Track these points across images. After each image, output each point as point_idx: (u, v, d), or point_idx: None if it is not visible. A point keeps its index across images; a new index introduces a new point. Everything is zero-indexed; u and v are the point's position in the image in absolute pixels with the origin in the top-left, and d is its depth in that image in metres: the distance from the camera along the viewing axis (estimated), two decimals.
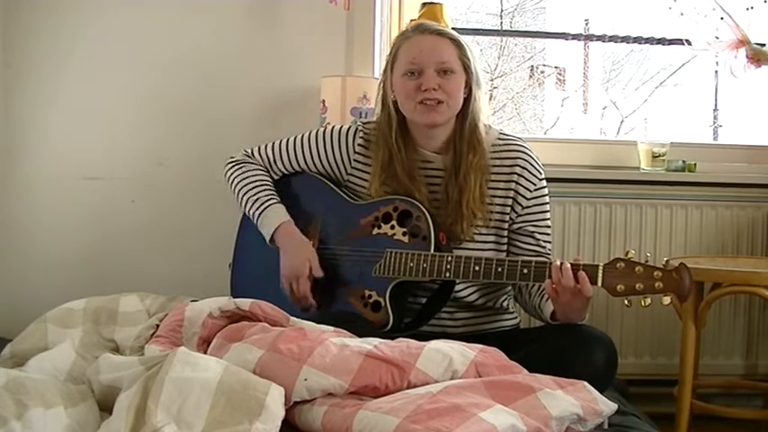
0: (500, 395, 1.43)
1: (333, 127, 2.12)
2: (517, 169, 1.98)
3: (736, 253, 2.66)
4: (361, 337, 1.63)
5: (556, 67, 4.39)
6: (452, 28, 2.24)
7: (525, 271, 1.80)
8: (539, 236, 2.00)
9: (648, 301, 1.73)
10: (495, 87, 4.10)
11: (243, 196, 2.08)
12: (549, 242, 2.03)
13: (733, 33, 2.64)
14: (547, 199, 2.03)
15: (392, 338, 1.63)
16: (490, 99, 3.74)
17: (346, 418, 1.38)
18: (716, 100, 3.42)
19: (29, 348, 1.92)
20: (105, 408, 1.49)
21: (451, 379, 1.52)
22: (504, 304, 2.06)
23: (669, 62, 3.60)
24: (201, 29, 2.73)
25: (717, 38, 2.66)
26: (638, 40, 3.10)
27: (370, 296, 1.92)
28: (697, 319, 2.27)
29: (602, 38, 3.20)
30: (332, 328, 1.67)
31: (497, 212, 1.99)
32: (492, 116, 3.37)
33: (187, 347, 1.59)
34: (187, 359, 1.44)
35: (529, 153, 2.01)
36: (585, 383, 1.54)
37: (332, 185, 2.07)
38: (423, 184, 1.97)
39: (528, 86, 4.31)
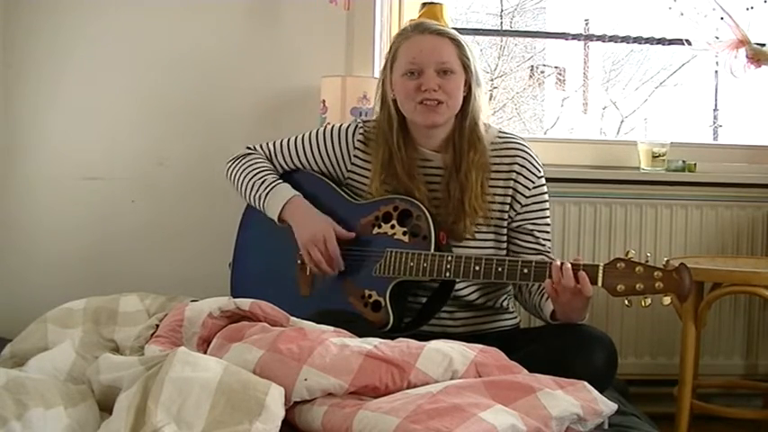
0: (500, 395, 1.43)
1: (333, 125, 2.12)
2: (516, 167, 1.99)
3: (736, 253, 2.66)
4: (361, 337, 1.63)
5: (556, 67, 4.39)
6: (452, 28, 2.24)
7: (525, 271, 1.80)
8: (538, 234, 2.00)
9: (649, 301, 1.73)
10: (495, 87, 4.09)
11: (246, 183, 2.06)
12: (549, 240, 2.03)
13: (733, 33, 2.64)
14: (546, 197, 2.03)
15: (392, 338, 1.63)
16: (490, 99, 3.74)
17: (346, 418, 1.38)
18: (716, 100, 3.42)
19: (29, 348, 1.92)
20: (105, 408, 1.49)
21: (451, 379, 1.52)
22: (504, 304, 2.07)
23: (669, 62, 3.60)
24: (201, 29, 2.73)
25: (717, 38, 2.66)
26: (638, 40, 3.10)
27: (370, 296, 1.92)
28: (697, 319, 2.27)
29: (602, 38, 3.20)
30: (332, 328, 1.67)
31: (497, 210, 1.99)
32: (492, 116, 3.37)
33: (187, 347, 1.59)
34: (187, 359, 1.44)
35: (528, 151, 2.01)
36: (585, 383, 1.54)
37: (332, 185, 2.07)
38: (422, 182, 1.97)
39: (528, 86, 4.30)
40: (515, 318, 2.10)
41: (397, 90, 1.97)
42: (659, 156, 2.63)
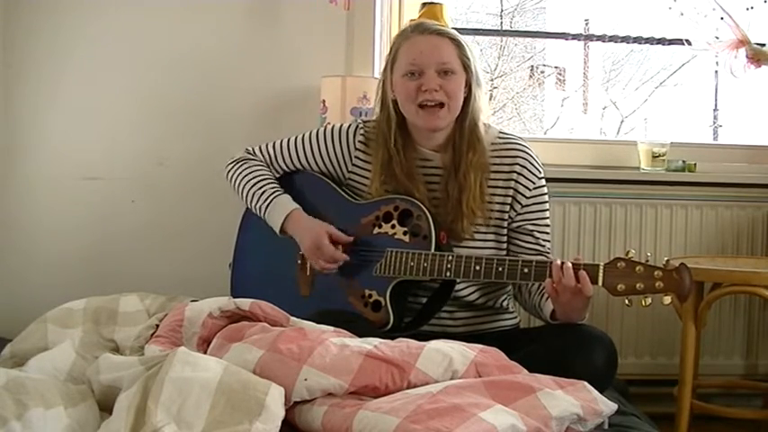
0: (500, 395, 1.43)
1: (333, 125, 2.12)
2: (516, 168, 1.98)
3: (736, 253, 2.66)
4: (361, 336, 1.63)
5: (556, 67, 4.39)
6: (452, 28, 2.24)
7: (526, 270, 1.80)
8: (538, 234, 2.00)
9: (649, 300, 1.73)
10: (495, 87, 4.09)
11: (247, 192, 2.07)
12: (549, 241, 2.03)
13: (733, 33, 2.64)
14: (546, 198, 2.03)
15: (392, 338, 1.63)
16: (490, 99, 3.73)
17: (346, 418, 1.38)
18: (716, 100, 3.42)
19: (29, 348, 1.92)
20: (105, 408, 1.49)
21: (451, 379, 1.52)
22: (505, 304, 2.06)
23: (669, 62, 3.60)
24: (201, 29, 2.73)
25: (717, 38, 2.66)
26: (638, 40, 3.10)
27: (370, 296, 1.92)
28: (697, 319, 2.27)
29: (602, 38, 3.20)
30: (332, 328, 1.67)
31: (497, 211, 1.99)
32: (492, 116, 3.36)
33: (187, 347, 1.59)
34: (187, 359, 1.44)
35: (528, 152, 2.01)
36: (585, 383, 1.54)
37: (333, 185, 2.07)
38: (421, 182, 1.97)
39: (528, 86, 4.30)
40: (515, 318, 2.10)
41: (398, 91, 1.97)
42: (659, 156, 2.63)
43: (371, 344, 1.55)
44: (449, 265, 1.85)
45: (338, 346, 1.53)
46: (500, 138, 2.02)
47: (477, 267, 1.83)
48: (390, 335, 1.71)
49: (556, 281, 1.75)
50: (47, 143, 2.75)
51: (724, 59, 2.66)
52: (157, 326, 1.90)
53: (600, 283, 1.73)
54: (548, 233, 2.03)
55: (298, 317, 1.76)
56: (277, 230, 2.02)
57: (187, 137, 2.76)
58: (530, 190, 1.99)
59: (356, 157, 2.05)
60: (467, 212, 1.93)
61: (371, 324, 1.88)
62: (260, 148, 2.15)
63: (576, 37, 3.54)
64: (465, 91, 1.96)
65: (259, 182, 2.07)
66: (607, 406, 1.52)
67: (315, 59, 2.69)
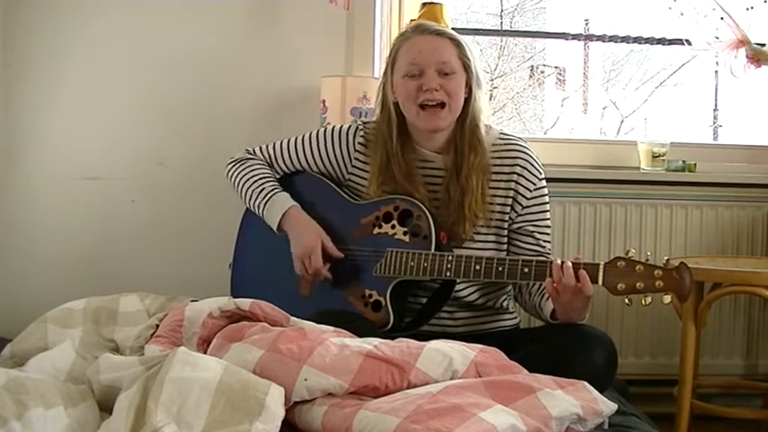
0: (500, 395, 1.43)
1: (333, 126, 2.12)
2: (517, 169, 1.98)
3: (736, 253, 2.66)
4: (361, 337, 1.63)
5: (556, 67, 4.39)
6: (452, 28, 2.24)
7: (526, 270, 1.80)
8: (539, 235, 2.00)
9: (649, 299, 1.73)
10: (495, 87, 4.10)
11: (246, 190, 2.07)
12: (549, 242, 2.03)
13: (733, 33, 2.64)
14: (547, 199, 2.03)
15: (392, 338, 1.63)
16: (490, 99, 3.74)
17: (346, 418, 1.38)
18: (716, 100, 3.42)
19: (29, 348, 1.92)
20: (105, 408, 1.49)
21: (451, 379, 1.52)
22: (504, 304, 2.06)
23: (669, 62, 3.60)
24: (201, 29, 2.73)
25: (717, 38, 2.66)
26: (638, 40, 3.10)
27: (370, 296, 1.92)
28: (697, 319, 2.27)
29: (602, 38, 3.20)
30: (332, 328, 1.67)
31: (497, 212, 1.99)
32: (492, 116, 3.36)
33: (187, 347, 1.59)
34: (187, 359, 1.44)
35: (529, 153, 2.01)
36: (585, 383, 1.54)
37: (333, 185, 2.07)
38: (421, 184, 1.97)
39: (528, 86, 4.31)
40: (515, 318, 2.10)
41: (398, 92, 1.97)
42: (659, 156, 2.63)
43: (371, 344, 1.55)
44: (449, 265, 1.85)
45: (338, 346, 1.53)
46: (501, 139, 2.02)
47: (478, 267, 1.83)
48: (390, 335, 1.71)
49: (556, 280, 1.75)
50: (47, 143, 2.75)
51: (724, 59, 2.66)
52: (157, 326, 1.90)
53: (600, 282, 1.73)
54: (548, 234, 2.03)
55: (298, 317, 1.76)
56: (274, 227, 2.02)
57: (187, 137, 2.76)
58: (530, 191, 1.99)
59: (356, 158, 2.05)
60: (469, 215, 1.93)
61: (371, 324, 1.88)
62: (260, 148, 2.15)
63: (576, 37, 3.54)
64: (465, 91, 1.96)
65: (258, 180, 2.07)
66: (607, 406, 1.52)
67: (315, 59, 2.69)
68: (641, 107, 3.97)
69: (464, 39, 1.99)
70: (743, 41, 2.63)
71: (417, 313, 1.97)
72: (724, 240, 2.67)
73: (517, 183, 1.98)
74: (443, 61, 1.92)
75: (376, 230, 1.96)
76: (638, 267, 1.72)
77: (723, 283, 2.24)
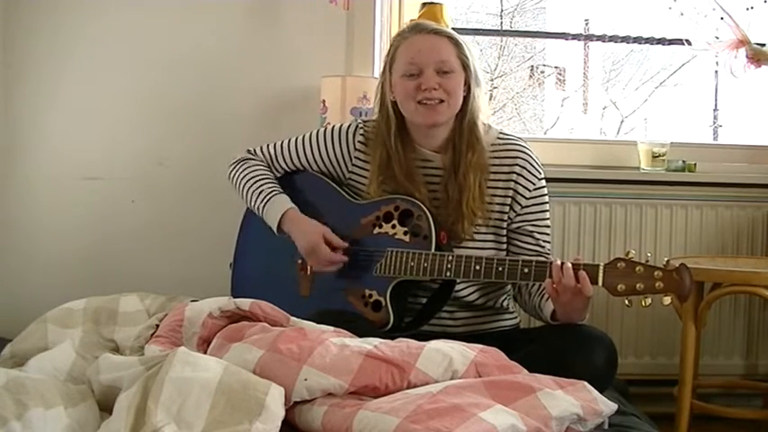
0: (500, 395, 1.43)
1: (333, 125, 2.12)
2: (516, 168, 1.98)
3: (736, 253, 2.66)
4: (361, 336, 1.63)
5: (556, 67, 4.39)
6: (452, 28, 2.24)
7: (526, 270, 1.80)
8: (538, 235, 2.00)
9: (649, 300, 1.73)
10: (495, 87, 4.10)
11: (246, 191, 2.08)
12: (549, 242, 2.03)
13: (733, 33, 2.64)
14: (546, 199, 2.03)
15: (392, 338, 1.63)
16: (490, 99, 3.74)
17: (346, 418, 1.38)
18: (716, 100, 3.42)
19: (29, 348, 1.92)
20: (105, 408, 1.49)
21: (451, 379, 1.52)
22: (504, 304, 2.06)
23: (669, 62, 3.60)
24: (201, 29, 2.73)
25: (717, 38, 2.66)
26: (638, 40, 3.10)
27: (370, 296, 1.92)
28: (697, 319, 2.27)
29: (602, 38, 3.20)
30: (332, 328, 1.67)
31: (497, 212, 1.99)
32: (492, 116, 3.37)
33: (187, 347, 1.59)
34: (187, 359, 1.44)
35: (528, 153, 2.01)
36: (585, 383, 1.54)
37: (333, 185, 2.07)
38: (422, 183, 1.97)
39: (528, 86, 4.31)
40: (515, 318, 2.10)
41: (397, 91, 1.97)
42: (659, 156, 2.63)
43: (371, 344, 1.55)
44: (449, 266, 1.85)
45: (338, 346, 1.53)
46: (500, 138, 2.02)
47: (478, 267, 1.83)
48: (390, 335, 1.71)
49: (556, 281, 1.75)
50: (47, 143, 2.75)
51: (724, 59, 2.66)
52: (157, 326, 1.90)
53: (600, 283, 1.73)
54: (548, 234, 2.03)
55: (298, 317, 1.76)
56: (274, 228, 2.02)
57: (187, 137, 2.76)
58: (529, 191, 1.99)
59: (356, 157, 2.05)
60: (467, 213, 1.93)
61: (372, 324, 1.88)
62: (261, 148, 2.15)
63: (576, 37, 3.54)
64: (464, 90, 1.96)
65: (258, 181, 2.07)
66: (607, 406, 1.52)
67: (315, 59, 2.69)
68: (641, 107, 3.97)
69: (463, 38, 1.98)
70: (743, 41, 2.63)
71: (417, 313, 1.97)
72: (724, 240, 2.67)
73: (516, 182, 1.98)
74: (442, 60, 1.92)
75: (376, 230, 1.96)
76: (637, 268, 1.72)
77: (723, 283, 2.24)
